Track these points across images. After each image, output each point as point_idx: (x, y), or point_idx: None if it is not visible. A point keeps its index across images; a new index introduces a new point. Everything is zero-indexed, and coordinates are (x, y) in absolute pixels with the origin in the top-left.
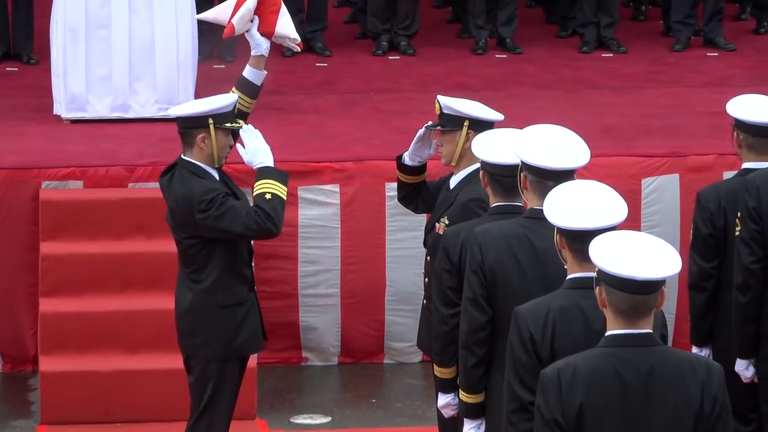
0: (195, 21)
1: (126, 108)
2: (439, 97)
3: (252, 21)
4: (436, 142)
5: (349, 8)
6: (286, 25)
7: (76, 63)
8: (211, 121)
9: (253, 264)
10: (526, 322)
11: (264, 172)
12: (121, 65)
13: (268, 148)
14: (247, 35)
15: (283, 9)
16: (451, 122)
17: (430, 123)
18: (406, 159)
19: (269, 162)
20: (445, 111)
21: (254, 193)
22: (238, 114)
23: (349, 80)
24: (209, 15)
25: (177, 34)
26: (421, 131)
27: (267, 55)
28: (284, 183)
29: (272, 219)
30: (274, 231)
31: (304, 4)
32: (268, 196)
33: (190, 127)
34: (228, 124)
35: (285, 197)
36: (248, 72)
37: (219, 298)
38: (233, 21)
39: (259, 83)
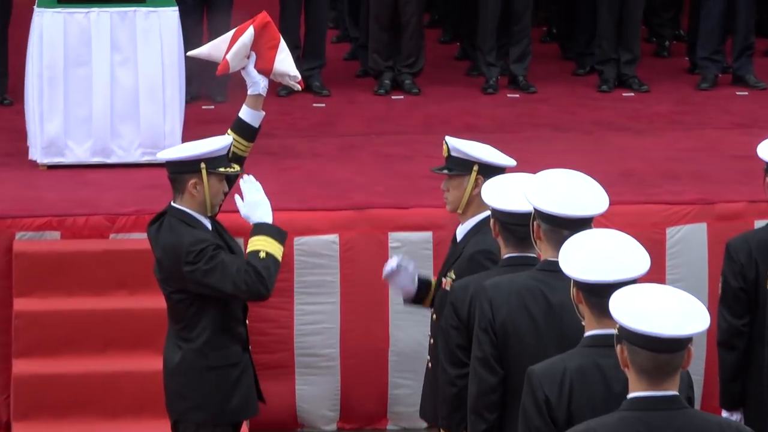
0: (182, 58)
1: (107, 152)
2: (448, 139)
3: (248, 57)
4: (442, 187)
5: (348, 44)
6: (285, 62)
7: (53, 104)
8: (203, 165)
9: (247, 322)
10: (541, 384)
11: (261, 228)
12: (102, 106)
13: (268, 203)
14: (243, 73)
15: (282, 44)
16: (459, 166)
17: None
18: (403, 297)
19: (268, 218)
20: (453, 153)
21: (248, 250)
22: (233, 158)
23: (348, 122)
24: (202, 51)
25: (163, 72)
26: (385, 269)
27: (265, 94)
28: (281, 242)
29: (263, 280)
30: (263, 293)
31: (300, 40)
32: (262, 254)
33: (180, 172)
34: (222, 169)
35: (280, 258)
36: (245, 113)
37: (211, 358)
38: (228, 57)
39: (256, 125)
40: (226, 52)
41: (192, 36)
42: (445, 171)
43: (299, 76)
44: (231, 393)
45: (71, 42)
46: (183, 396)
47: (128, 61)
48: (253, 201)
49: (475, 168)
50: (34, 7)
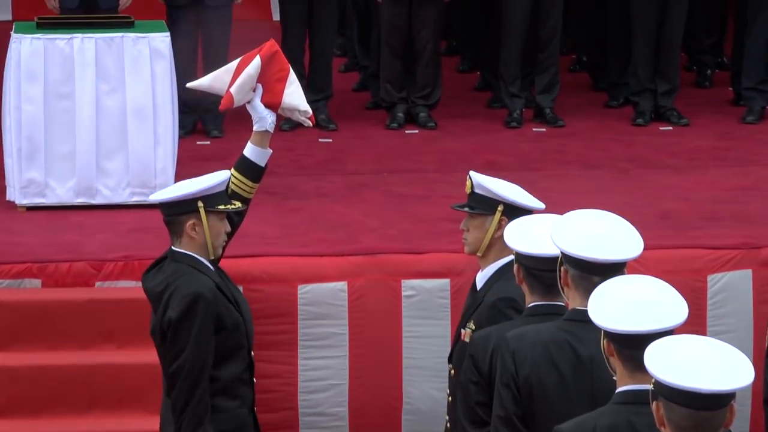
0: (175, 88)
1: (92, 192)
2: (472, 174)
3: (254, 90)
4: (461, 226)
5: (358, 73)
6: (295, 95)
7: (33, 139)
8: (200, 204)
9: (254, 380)
10: None
11: None
12: (86, 142)
13: None
14: (248, 107)
15: (292, 76)
16: (483, 205)
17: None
18: None
19: None
20: (476, 191)
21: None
22: (237, 200)
23: (358, 158)
24: (203, 83)
25: (153, 104)
26: None
27: (272, 131)
28: None
29: (185, 390)
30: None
31: (305, 69)
32: None
33: (176, 213)
34: (222, 207)
35: None
36: (250, 151)
37: (215, 422)
38: (232, 91)
39: (263, 164)
40: (230, 85)
41: (185, 64)
42: (467, 209)
43: (310, 111)
44: None
45: (52, 71)
46: None
47: (115, 91)
48: None
49: (500, 208)
50: (11, 32)
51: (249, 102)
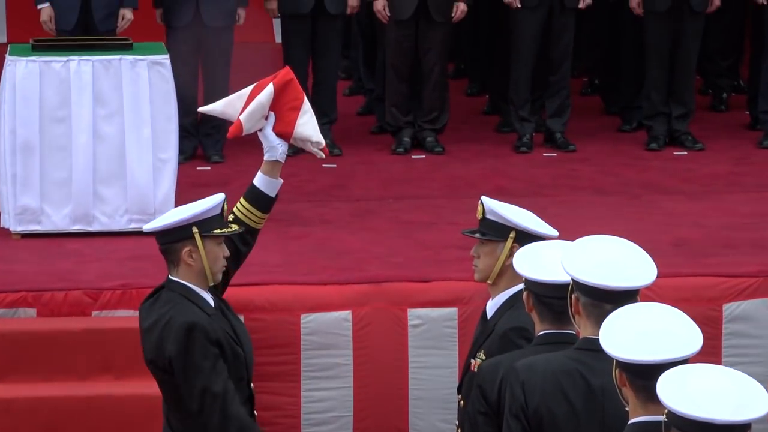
0: (175, 113)
1: (89, 219)
2: (484, 199)
3: (266, 118)
4: (471, 252)
5: (363, 97)
6: (308, 125)
7: (28, 165)
8: (195, 229)
9: (255, 413)
10: None
11: None
12: (83, 167)
13: None
14: (260, 135)
15: (306, 106)
16: (494, 231)
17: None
18: None
19: None
20: (488, 216)
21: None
22: (245, 228)
23: (363, 184)
24: (216, 108)
25: (152, 128)
26: None
27: (283, 161)
28: None
29: (217, 417)
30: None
31: (308, 93)
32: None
33: (171, 241)
34: (218, 231)
35: None
36: (260, 180)
37: None
38: (241, 118)
39: (273, 194)
40: (241, 112)
41: (185, 87)
42: (478, 235)
43: (323, 142)
44: None
45: (48, 95)
46: None
47: (113, 115)
48: None
49: (512, 235)
50: (6, 55)
51: (260, 130)
